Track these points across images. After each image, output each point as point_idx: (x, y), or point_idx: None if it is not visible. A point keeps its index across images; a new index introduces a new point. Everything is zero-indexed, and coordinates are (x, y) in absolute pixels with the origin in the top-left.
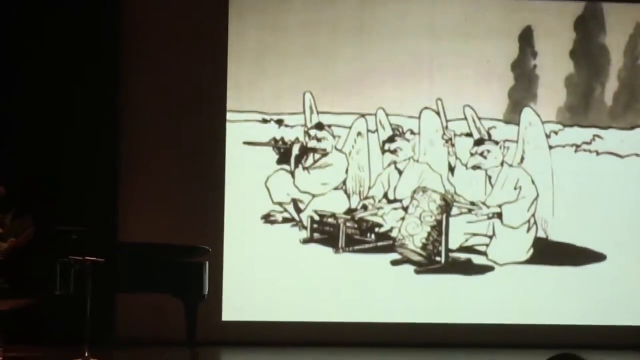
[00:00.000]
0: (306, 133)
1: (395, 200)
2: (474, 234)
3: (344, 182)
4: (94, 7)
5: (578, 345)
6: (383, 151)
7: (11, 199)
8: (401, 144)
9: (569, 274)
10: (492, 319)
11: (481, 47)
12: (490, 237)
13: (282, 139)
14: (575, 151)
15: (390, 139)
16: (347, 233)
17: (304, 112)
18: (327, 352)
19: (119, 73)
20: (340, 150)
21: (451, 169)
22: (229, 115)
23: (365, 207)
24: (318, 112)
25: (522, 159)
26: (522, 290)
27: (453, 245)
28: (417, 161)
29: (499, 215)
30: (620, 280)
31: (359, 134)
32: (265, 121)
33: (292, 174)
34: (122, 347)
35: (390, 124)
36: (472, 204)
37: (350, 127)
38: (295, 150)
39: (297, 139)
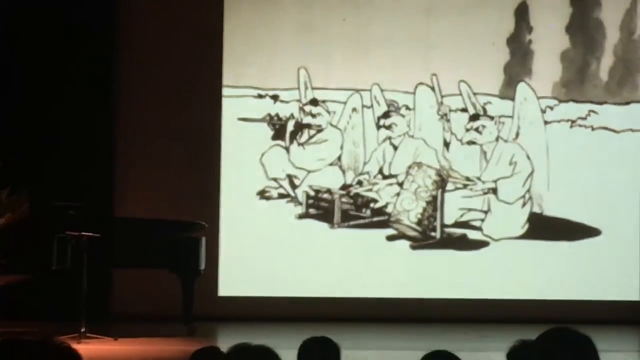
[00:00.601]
0: (301, 109)
1: (390, 176)
2: (470, 209)
3: (339, 158)
4: None
5: (572, 320)
6: (378, 127)
7: (8, 175)
8: (396, 119)
9: (563, 249)
10: (487, 294)
11: (476, 22)
12: (486, 213)
13: (277, 114)
14: (571, 126)
15: (386, 115)
16: (343, 209)
17: (298, 88)
18: (322, 327)
19: (114, 49)
20: (336, 126)
21: (446, 145)
22: (224, 91)
23: (360, 183)
24: (312, 88)
25: (517, 134)
26: (517, 265)
27: (448, 220)
28: (412, 137)
29: (494, 191)
30: (614, 256)
31: (354, 109)
32: (260, 97)
33: (287, 149)
34: (119, 323)
35: (386, 100)
36: (468, 179)
37: (345, 103)
38: (290, 126)
39: (292, 115)
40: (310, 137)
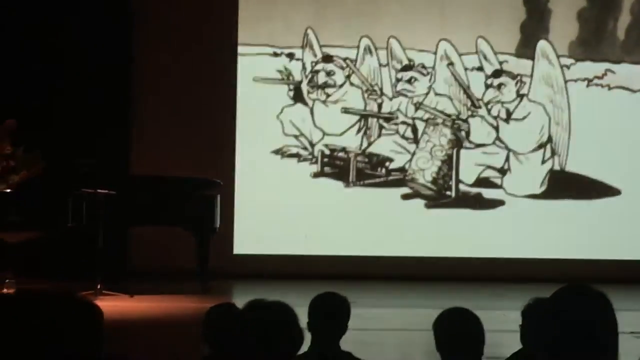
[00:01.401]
0: (313, 66)
1: (406, 136)
2: (488, 166)
3: (361, 119)
4: None
5: (587, 279)
6: (397, 80)
7: (23, 133)
8: (415, 74)
9: (582, 207)
10: (502, 253)
11: None
12: (505, 171)
13: (291, 72)
14: (587, 85)
15: (406, 68)
16: (358, 167)
17: (305, 47)
18: (338, 284)
19: (131, 6)
20: (353, 84)
21: (466, 102)
22: (240, 49)
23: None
24: (326, 46)
25: (535, 94)
26: (533, 224)
27: (466, 179)
28: (433, 94)
29: (512, 147)
30: (634, 215)
31: (366, 49)
32: (276, 54)
33: (308, 108)
34: (134, 280)
35: (406, 54)
36: (485, 134)
37: (358, 47)
38: (306, 84)
39: (308, 72)
40: (328, 96)
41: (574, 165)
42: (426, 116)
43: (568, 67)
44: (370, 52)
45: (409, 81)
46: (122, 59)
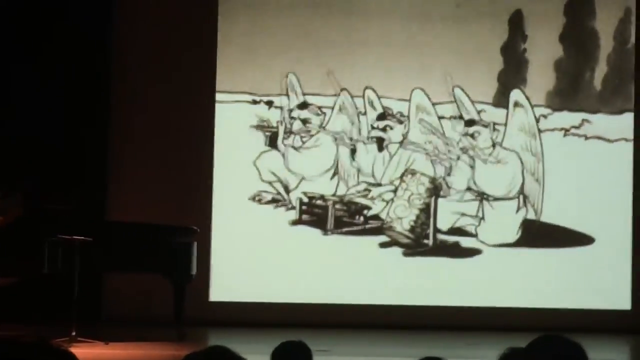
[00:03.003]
0: (289, 113)
1: (382, 184)
2: (463, 214)
3: (336, 164)
4: None
5: (563, 329)
6: (372, 128)
7: (0, 178)
8: (391, 123)
9: (556, 256)
10: (478, 302)
11: (471, 30)
12: (480, 219)
13: (269, 119)
14: (564, 135)
15: (381, 117)
16: (336, 215)
17: (286, 94)
18: (314, 333)
19: (109, 53)
20: (329, 131)
21: (442, 151)
22: (218, 96)
23: (353, 190)
24: (304, 94)
25: (510, 142)
26: (509, 273)
27: (442, 227)
28: (406, 143)
29: (487, 197)
30: (606, 264)
31: (341, 108)
32: (255, 102)
33: (282, 154)
34: (110, 327)
35: (381, 103)
36: (461, 183)
37: (332, 108)
38: (283, 131)
39: (284, 118)
40: (304, 142)
41: (548, 214)
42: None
43: (545, 116)
44: (346, 101)
45: (384, 129)
46: (99, 104)
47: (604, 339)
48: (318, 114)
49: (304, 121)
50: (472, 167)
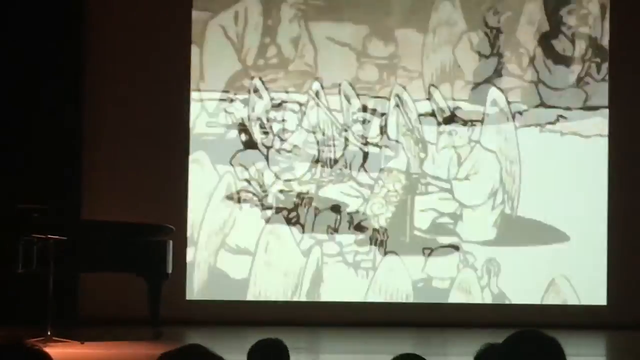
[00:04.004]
0: (267, 113)
1: (360, 181)
2: (441, 213)
3: (313, 161)
4: None
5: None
6: (353, 121)
7: None
8: (369, 117)
9: (532, 253)
10: (456, 299)
11: (446, 26)
12: (456, 216)
13: (243, 119)
14: (540, 131)
15: (364, 109)
16: (314, 213)
17: (259, 93)
18: (290, 331)
19: (83, 51)
20: (306, 129)
21: (419, 149)
22: (193, 95)
23: (331, 184)
24: (275, 91)
25: (486, 138)
26: (485, 270)
27: (419, 225)
28: (386, 140)
29: (462, 194)
30: (581, 261)
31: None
32: (231, 100)
33: (260, 153)
34: (86, 326)
35: (358, 96)
36: (438, 180)
37: (305, 104)
38: (259, 130)
39: (259, 118)
40: (282, 141)
41: (524, 211)
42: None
43: (521, 113)
44: (321, 96)
45: (363, 122)
46: (72, 102)
47: (580, 335)
48: (294, 112)
49: (282, 122)
50: (449, 165)
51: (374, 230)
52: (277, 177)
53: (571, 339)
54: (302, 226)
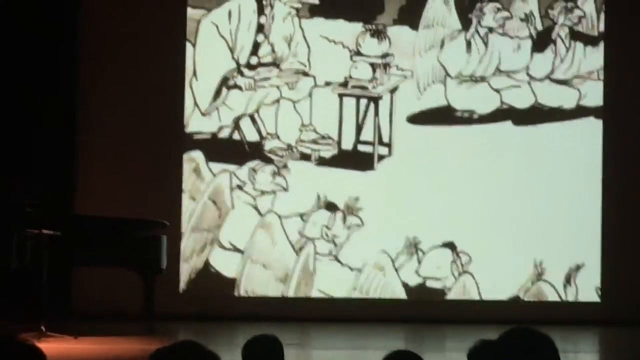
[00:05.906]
0: (260, 112)
1: (354, 179)
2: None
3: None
4: None
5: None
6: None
7: None
8: (363, 115)
9: (526, 247)
10: (450, 295)
11: (440, 27)
12: (451, 216)
13: (239, 115)
14: (535, 129)
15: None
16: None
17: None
18: (284, 326)
19: (78, 45)
20: (300, 127)
21: (412, 149)
22: (187, 92)
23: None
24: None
25: (478, 136)
26: (480, 264)
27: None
28: (380, 139)
29: (463, 194)
30: (576, 257)
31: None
32: (224, 98)
33: (256, 152)
34: (79, 321)
35: (351, 94)
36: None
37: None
38: (253, 127)
39: (252, 116)
40: (276, 139)
41: (517, 206)
42: None
43: (515, 111)
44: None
45: (357, 120)
46: (67, 99)
47: (574, 331)
48: (288, 110)
49: (274, 118)
50: None
51: (368, 226)
52: (270, 174)
53: (565, 334)
54: (295, 223)
